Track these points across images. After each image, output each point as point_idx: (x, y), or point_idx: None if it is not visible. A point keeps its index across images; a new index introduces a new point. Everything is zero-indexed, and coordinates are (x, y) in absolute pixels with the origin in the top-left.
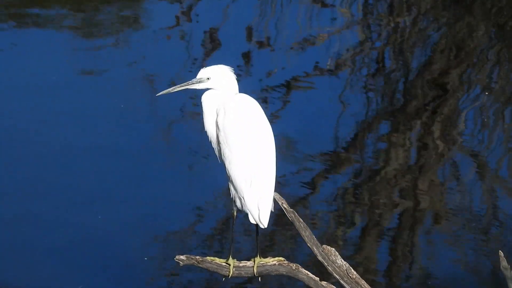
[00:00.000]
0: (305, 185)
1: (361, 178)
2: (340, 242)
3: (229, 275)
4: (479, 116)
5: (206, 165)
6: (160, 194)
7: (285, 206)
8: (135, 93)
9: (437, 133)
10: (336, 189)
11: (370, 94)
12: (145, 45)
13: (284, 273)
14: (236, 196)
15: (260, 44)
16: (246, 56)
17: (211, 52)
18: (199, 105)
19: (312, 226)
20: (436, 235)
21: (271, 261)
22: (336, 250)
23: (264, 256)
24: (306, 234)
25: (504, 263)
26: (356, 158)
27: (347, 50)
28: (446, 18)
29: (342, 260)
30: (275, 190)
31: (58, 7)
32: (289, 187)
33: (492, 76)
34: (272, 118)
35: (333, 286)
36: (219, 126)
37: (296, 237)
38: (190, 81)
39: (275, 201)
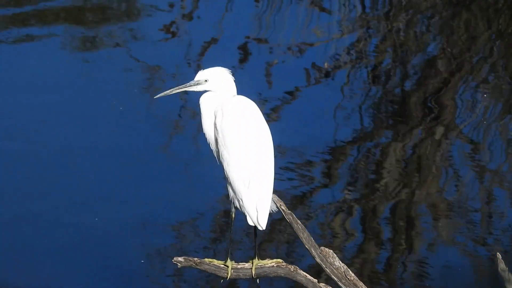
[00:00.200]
0: (303, 187)
1: (359, 179)
2: (338, 244)
3: (227, 277)
4: (478, 117)
5: (205, 166)
6: (160, 195)
7: (283, 208)
8: (134, 94)
9: (436, 134)
10: (334, 190)
11: (369, 95)
12: (144, 45)
13: (282, 275)
14: (235, 197)
15: (259, 44)
16: (244, 57)
17: (209, 53)
18: (197, 107)
19: (310, 228)
20: (435, 236)
21: (269, 263)
22: (334, 252)
23: (263, 258)
24: (304, 236)
25: (502, 265)
26: (355, 159)
27: (345, 52)
28: (444, 19)
29: (340, 262)
30: (273, 192)
31: (58, 8)
32: (287, 189)
33: (491, 77)
34: (270, 120)
35: (331, 287)
36: (217, 128)
37: (294, 239)
38: (188, 83)
39: (273, 203)
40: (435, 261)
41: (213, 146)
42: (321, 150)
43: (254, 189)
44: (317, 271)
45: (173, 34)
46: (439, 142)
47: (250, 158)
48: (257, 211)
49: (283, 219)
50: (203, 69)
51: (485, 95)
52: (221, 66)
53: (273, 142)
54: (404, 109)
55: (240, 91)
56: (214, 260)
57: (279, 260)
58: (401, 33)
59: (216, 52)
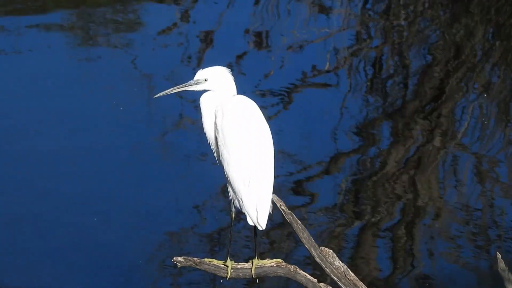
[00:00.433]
0: (303, 187)
1: (360, 179)
2: (338, 244)
3: (227, 277)
4: (478, 116)
5: (205, 166)
6: (159, 195)
7: (284, 208)
8: (134, 94)
9: (436, 134)
10: (334, 190)
11: (369, 94)
12: (143, 46)
13: (282, 274)
14: (235, 197)
15: (257, 46)
16: (243, 57)
17: (208, 53)
18: (198, 106)
19: (310, 228)
20: (435, 236)
21: (269, 262)
22: (334, 252)
23: (262, 257)
24: (304, 235)
25: (501, 264)
26: (355, 159)
27: (345, 51)
28: (444, 18)
29: (340, 262)
30: (273, 192)
31: (57, 9)
32: (288, 189)
33: (491, 77)
34: (270, 119)
35: (331, 287)
36: (218, 127)
37: (294, 238)
38: (187, 83)
39: (273, 202)
40: (435, 261)
41: (213, 146)
42: (321, 150)
43: (254, 189)
44: (317, 271)
45: (173, 33)
46: (439, 144)
47: (250, 158)
48: (257, 211)
49: (283, 219)
50: (203, 68)
51: (484, 95)
52: (220, 65)
53: (273, 141)
54: (404, 110)
55: (239, 91)
56: (214, 260)
57: (279, 260)
58: (401, 33)
59: (216, 52)
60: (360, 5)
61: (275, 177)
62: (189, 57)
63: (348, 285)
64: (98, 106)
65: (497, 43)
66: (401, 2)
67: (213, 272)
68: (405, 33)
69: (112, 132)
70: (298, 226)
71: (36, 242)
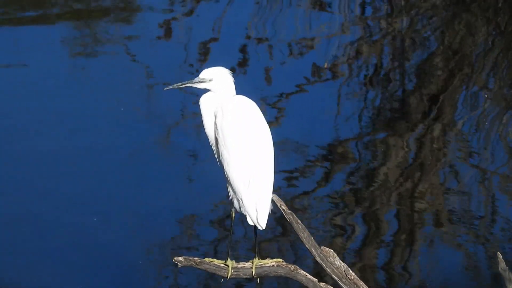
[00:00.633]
0: (303, 187)
1: (360, 180)
2: (339, 243)
3: (227, 277)
4: (479, 118)
5: (205, 166)
6: (159, 195)
7: (284, 208)
8: (134, 94)
9: (436, 136)
10: (334, 191)
11: (369, 95)
12: (143, 46)
13: (283, 274)
14: (234, 197)
15: (258, 45)
16: (244, 57)
17: (208, 52)
18: (198, 106)
19: (310, 227)
20: (436, 237)
21: (269, 262)
22: (335, 252)
23: (263, 257)
24: (305, 235)
25: (502, 264)
26: (355, 160)
27: (345, 51)
28: (444, 19)
29: (341, 261)
30: (273, 192)
31: (57, 10)
32: (288, 189)
33: (492, 78)
34: (270, 119)
35: (331, 287)
36: (218, 127)
37: (295, 238)
38: (193, 79)
39: (273, 202)
40: (435, 261)
41: (213, 146)
42: (321, 150)
43: (254, 189)
44: (318, 271)
45: (172, 33)
46: (439, 142)
47: (250, 158)
48: (256, 211)
49: (283, 218)
50: (207, 68)
51: (486, 95)
52: (221, 65)
53: (273, 141)
54: (404, 109)
55: (239, 91)
56: (215, 259)
57: (279, 259)
58: (401, 32)
59: (215, 51)
60: (360, 4)
61: (274, 178)
62: (190, 57)
63: (349, 285)
64: (98, 106)
65: (497, 40)
66: (402, 2)
67: (214, 271)
68: (404, 34)
69: (112, 132)
70: (298, 226)
71: (36, 242)
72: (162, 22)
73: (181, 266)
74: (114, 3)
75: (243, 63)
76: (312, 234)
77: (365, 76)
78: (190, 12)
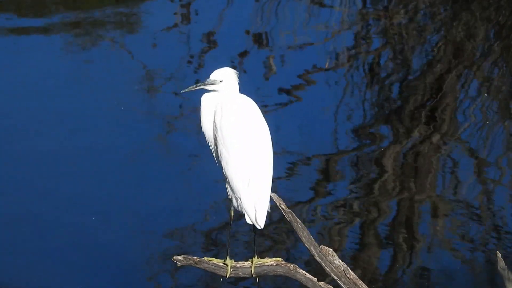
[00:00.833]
0: (303, 186)
1: (360, 178)
2: (338, 243)
3: (226, 276)
4: (478, 115)
5: (204, 166)
6: (159, 195)
7: (283, 207)
8: (134, 93)
9: (436, 132)
10: (334, 189)
11: (369, 94)
12: (144, 45)
13: (282, 273)
14: (233, 196)
15: (258, 44)
16: (243, 55)
17: (208, 52)
18: (197, 106)
19: (310, 226)
20: (435, 235)
21: (268, 261)
22: (334, 251)
23: (262, 256)
24: (304, 234)
25: (501, 263)
26: (355, 159)
27: (345, 50)
28: (444, 16)
29: (340, 261)
30: (272, 191)
31: (56, 10)
32: (287, 188)
33: (491, 75)
34: (270, 119)
35: (330, 286)
36: (217, 126)
37: (294, 237)
38: (205, 82)
39: (272, 201)
40: (435, 260)
41: (212, 145)
42: (321, 149)
43: (253, 188)
44: (317, 270)
45: (173, 32)
46: (438, 142)
47: (249, 157)
48: (255, 210)
49: (282, 217)
50: (217, 69)
51: (485, 94)
52: (221, 64)
53: (272, 141)
54: (403, 108)
55: (240, 89)
56: (214, 258)
57: (278, 258)
58: (401, 31)
59: (215, 51)
60: (360, 3)
61: (273, 177)
62: (190, 56)
63: (348, 284)
64: (98, 106)
65: (498, 41)
66: (402, 1)
67: (213, 271)
68: (405, 31)
69: (112, 132)
70: (298, 225)
71: (36, 242)
72: (163, 21)
73: (181, 265)
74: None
75: (242, 62)
76: (311, 233)
77: (365, 75)
78: (189, 12)
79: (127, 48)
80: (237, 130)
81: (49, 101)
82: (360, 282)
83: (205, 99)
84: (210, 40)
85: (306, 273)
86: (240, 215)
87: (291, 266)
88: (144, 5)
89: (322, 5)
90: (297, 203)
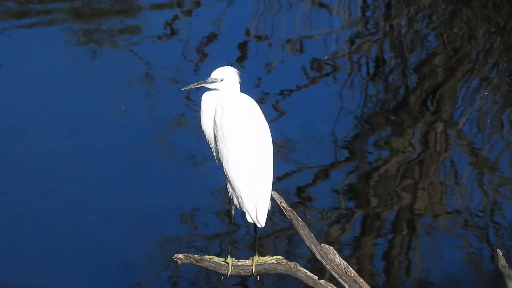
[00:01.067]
0: (303, 185)
1: (360, 177)
2: (339, 241)
3: (227, 274)
4: (479, 114)
5: (205, 166)
6: (159, 195)
7: (284, 205)
8: (134, 93)
9: (437, 132)
10: (334, 188)
11: (369, 93)
12: (144, 45)
13: (283, 271)
14: (234, 195)
15: (258, 41)
16: (243, 54)
17: (208, 51)
18: (197, 106)
19: (310, 225)
20: (435, 234)
21: (269, 259)
22: (335, 249)
23: (263, 254)
24: (305, 232)
25: (502, 261)
26: (355, 157)
27: (345, 49)
28: (444, 15)
29: (341, 259)
30: (273, 189)
31: (57, 10)
32: (287, 187)
33: (492, 75)
34: (270, 117)
35: (331, 284)
36: (217, 125)
37: (295, 235)
38: (206, 80)
39: (273, 200)
40: (435, 259)
41: (212, 144)
42: (321, 147)
43: (254, 187)
44: (318, 268)
45: (173, 32)
46: (440, 138)
47: (249, 156)
48: (256, 209)
49: (283, 216)
50: (218, 67)
51: (486, 93)
52: (221, 63)
53: (272, 139)
54: (404, 106)
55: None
56: (215, 257)
57: (279, 257)
58: (402, 29)
59: (215, 50)
60: (360, 1)
61: (274, 176)
62: (190, 56)
63: (349, 282)
64: (98, 106)
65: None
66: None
67: (214, 269)
68: (405, 29)
69: (112, 132)
70: (299, 223)
71: (36, 242)
72: (163, 21)
73: (181, 264)
74: (115, 3)
75: (242, 61)
76: (312, 232)
77: (366, 73)
78: (189, 12)
79: (127, 47)
80: (238, 129)
81: (49, 101)
82: (361, 280)
83: (205, 97)
84: (210, 40)
85: (307, 271)
86: (241, 214)
87: (292, 264)
88: (146, 7)
89: (322, 5)
90: (297, 202)
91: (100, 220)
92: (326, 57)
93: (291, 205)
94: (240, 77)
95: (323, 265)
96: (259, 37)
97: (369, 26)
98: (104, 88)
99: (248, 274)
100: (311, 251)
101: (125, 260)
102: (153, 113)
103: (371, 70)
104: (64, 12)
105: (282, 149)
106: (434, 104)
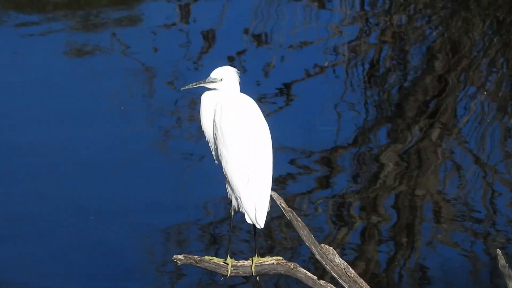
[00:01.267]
0: (303, 185)
1: (360, 177)
2: (338, 241)
3: (227, 275)
4: (478, 114)
5: (205, 166)
6: (159, 195)
7: (283, 206)
8: (134, 93)
9: (436, 131)
10: (335, 188)
11: (368, 93)
12: (144, 45)
13: (282, 272)
14: (233, 196)
15: (258, 43)
16: (243, 53)
17: (208, 51)
18: (197, 106)
19: (310, 225)
20: (435, 233)
21: (269, 260)
22: (334, 249)
23: (262, 255)
24: (304, 233)
25: (502, 261)
26: (355, 157)
27: (345, 48)
28: (443, 15)
29: (340, 259)
30: (272, 190)
31: (57, 10)
32: (287, 187)
33: (490, 74)
34: (270, 118)
35: (331, 285)
36: (216, 125)
37: (295, 236)
38: (206, 79)
39: (273, 200)
40: (435, 259)
41: (211, 144)
42: (321, 148)
43: (253, 187)
44: (318, 268)
45: (173, 31)
46: (438, 140)
47: (248, 156)
48: (255, 210)
49: (282, 216)
50: (217, 67)
51: (485, 93)
52: (221, 62)
53: (272, 139)
54: (403, 107)
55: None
56: (214, 258)
57: (278, 257)
58: (400, 29)
59: (215, 49)
60: (359, 3)
61: (273, 176)
62: (190, 55)
63: (349, 282)
64: (98, 106)
65: (496, 38)
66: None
67: (214, 270)
68: (404, 29)
69: (112, 132)
70: (298, 224)
71: (36, 242)
72: (163, 21)
73: (181, 264)
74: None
75: (242, 60)
76: (311, 232)
77: (364, 73)
78: (190, 10)
79: (127, 47)
80: (237, 129)
81: (49, 101)
82: (361, 280)
83: (205, 97)
84: (209, 39)
85: (307, 272)
86: (240, 215)
87: (292, 264)
88: (144, 4)
89: (321, 5)
90: (297, 201)
91: (100, 220)
92: (326, 63)
93: (291, 205)
94: (239, 77)
95: (322, 265)
96: (258, 36)
97: (368, 26)
98: (104, 88)
99: (248, 274)
100: (310, 251)
101: (125, 260)
102: (153, 112)
103: (370, 71)
104: (64, 11)
105: (281, 149)
106: (433, 104)
